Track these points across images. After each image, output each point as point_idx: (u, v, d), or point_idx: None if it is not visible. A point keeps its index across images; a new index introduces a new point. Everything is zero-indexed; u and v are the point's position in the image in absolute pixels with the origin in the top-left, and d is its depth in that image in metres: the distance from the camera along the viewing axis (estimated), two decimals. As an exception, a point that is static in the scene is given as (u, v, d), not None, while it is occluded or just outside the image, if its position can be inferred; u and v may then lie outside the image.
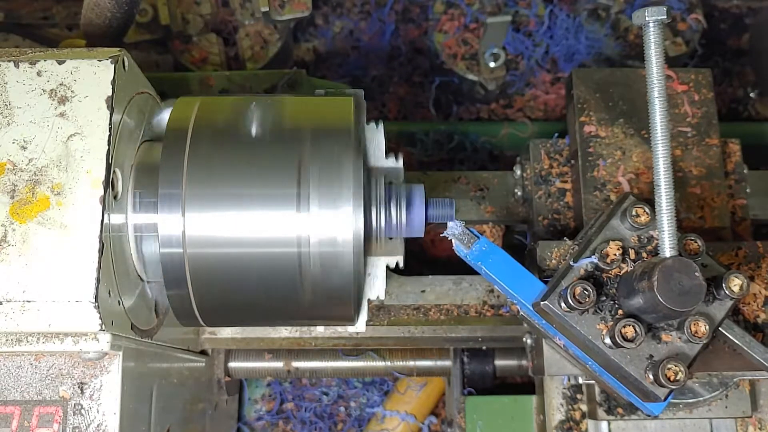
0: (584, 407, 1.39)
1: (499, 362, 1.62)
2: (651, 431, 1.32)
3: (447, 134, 1.96)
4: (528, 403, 1.53)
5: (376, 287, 1.25)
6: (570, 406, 1.41)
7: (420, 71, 2.13)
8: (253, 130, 1.11)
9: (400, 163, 1.21)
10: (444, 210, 1.17)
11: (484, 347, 1.60)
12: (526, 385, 1.62)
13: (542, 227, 1.46)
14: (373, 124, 1.20)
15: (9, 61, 1.06)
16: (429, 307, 1.51)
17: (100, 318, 0.98)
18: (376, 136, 1.19)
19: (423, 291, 1.52)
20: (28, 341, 0.99)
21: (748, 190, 1.47)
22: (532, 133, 1.92)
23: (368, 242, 1.16)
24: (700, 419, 1.31)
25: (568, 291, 1.09)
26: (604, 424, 1.33)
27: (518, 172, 1.57)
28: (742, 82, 2.11)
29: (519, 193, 1.57)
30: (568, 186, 1.48)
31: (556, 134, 1.52)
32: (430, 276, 1.52)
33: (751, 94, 2.09)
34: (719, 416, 1.30)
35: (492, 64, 1.94)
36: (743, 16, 2.14)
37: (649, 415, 1.26)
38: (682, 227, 1.36)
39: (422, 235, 1.18)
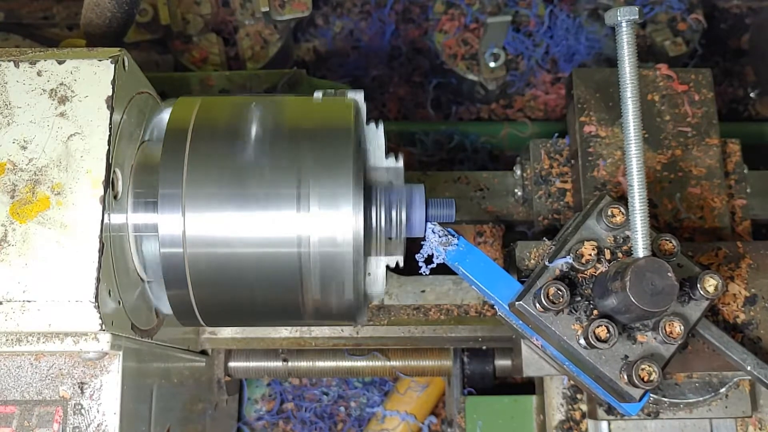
0: (584, 407, 1.39)
1: (499, 362, 1.62)
2: (651, 431, 1.31)
3: (447, 134, 1.96)
4: (528, 403, 1.53)
5: (376, 287, 1.25)
6: (570, 406, 1.41)
7: (420, 71, 2.13)
8: (253, 131, 1.11)
9: (400, 163, 1.20)
10: (444, 210, 1.16)
11: (484, 347, 1.60)
12: (526, 385, 1.62)
13: (542, 227, 1.46)
14: (373, 124, 1.20)
15: (9, 61, 1.06)
16: (429, 307, 1.51)
17: (100, 318, 0.98)
18: (376, 136, 1.19)
19: (423, 291, 1.52)
20: (28, 341, 0.99)
21: (748, 190, 1.47)
22: (532, 133, 1.92)
23: (368, 242, 1.16)
24: (700, 419, 1.31)
25: (542, 291, 1.09)
26: (604, 424, 1.33)
27: (518, 172, 1.57)
28: (742, 82, 2.11)
29: (519, 193, 1.57)
30: (568, 186, 1.47)
31: (556, 134, 1.52)
32: (430, 276, 1.51)
33: (751, 94, 2.09)
34: (719, 416, 1.30)
35: (492, 64, 1.93)
36: (743, 16, 2.14)
37: (624, 416, 1.26)
38: (682, 227, 1.36)
39: (422, 235, 1.17)
